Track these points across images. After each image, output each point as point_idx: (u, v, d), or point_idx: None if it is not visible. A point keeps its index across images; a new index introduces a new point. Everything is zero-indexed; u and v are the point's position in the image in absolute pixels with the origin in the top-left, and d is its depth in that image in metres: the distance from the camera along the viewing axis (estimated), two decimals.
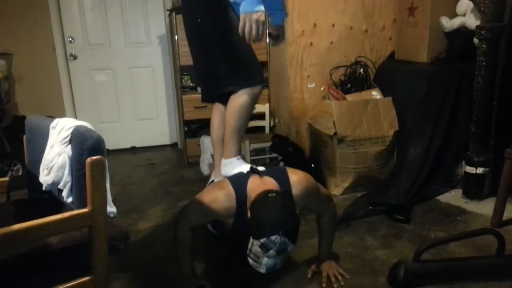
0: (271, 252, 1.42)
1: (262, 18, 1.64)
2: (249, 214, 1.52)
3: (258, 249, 1.44)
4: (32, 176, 1.72)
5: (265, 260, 1.45)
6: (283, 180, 1.67)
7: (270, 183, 1.63)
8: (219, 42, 1.79)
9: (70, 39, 3.86)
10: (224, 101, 1.93)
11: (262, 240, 1.42)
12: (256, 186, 1.61)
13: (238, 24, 1.74)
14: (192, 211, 1.70)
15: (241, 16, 1.64)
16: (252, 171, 1.72)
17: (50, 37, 3.77)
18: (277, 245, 1.41)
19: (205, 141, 2.81)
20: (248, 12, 1.62)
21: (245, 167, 1.79)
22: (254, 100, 1.86)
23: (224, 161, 1.89)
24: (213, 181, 2.06)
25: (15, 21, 3.64)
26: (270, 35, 2.22)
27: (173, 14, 3.41)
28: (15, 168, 3.14)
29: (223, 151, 1.90)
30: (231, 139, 1.85)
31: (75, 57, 3.90)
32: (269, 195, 1.51)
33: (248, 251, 1.49)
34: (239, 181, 1.69)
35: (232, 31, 1.76)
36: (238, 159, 1.86)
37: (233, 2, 1.67)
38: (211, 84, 1.93)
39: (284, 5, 2.17)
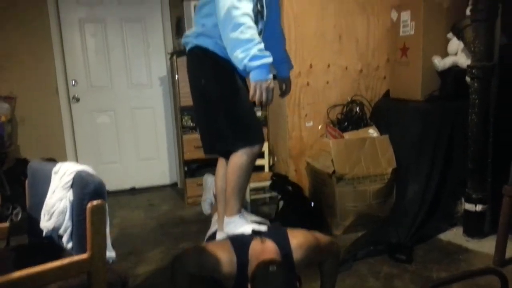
0: None
1: (272, 85, 1.70)
2: (249, 286, 1.52)
3: None
4: (33, 221, 1.73)
5: None
6: (284, 244, 1.67)
7: (271, 250, 1.63)
8: (221, 103, 1.84)
9: (73, 82, 3.95)
10: (226, 155, 1.97)
11: None
12: (257, 253, 1.61)
13: (241, 86, 1.81)
14: (191, 263, 1.67)
15: (252, 84, 1.68)
16: (254, 233, 1.73)
17: (54, 80, 3.86)
18: None
19: (208, 180, 2.82)
20: (259, 81, 1.67)
21: (247, 228, 1.79)
22: (254, 159, 1.89)
23: (226, 219, 1.90)
24: (214, 233, 2.03)
25: (20, 65, 3.74)
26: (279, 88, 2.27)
27: (174, 57, 3.51)
28: (15, 212, 3.13)
29: (225, 209, 1.91)
30: (233, 197, 1.87)
31: (77, 99, 3.98)
32: (270, 268, 1.50)
33: None
34: (241, 245, 1.68)
35: (234, 94, 1.82)
36: (240, 217, 1.88)
37: (242, 70, 1.72)
38: (211, 141, 1.98)
39: (289, 57, 2.24)
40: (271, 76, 1.70)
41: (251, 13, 1.69)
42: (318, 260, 1.82)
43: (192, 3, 3.43)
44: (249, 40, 1.63)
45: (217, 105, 1.85)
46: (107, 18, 3.95)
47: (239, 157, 1.84)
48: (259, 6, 1.84)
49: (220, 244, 1.75)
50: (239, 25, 1.63)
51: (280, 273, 1.49)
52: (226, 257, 1.64)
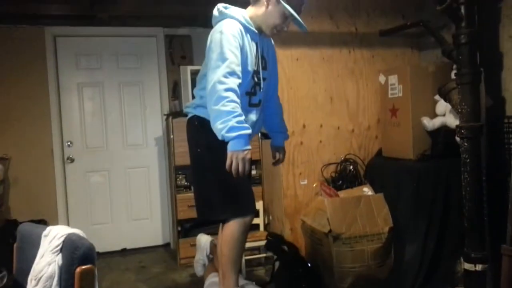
0: None
1: (248, 156, 1.76)
2: None
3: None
4: (19, 286, 1.66)
5: None
6: None
7: None
8: (214, 173, 1.88)
9: (69, 143, 3.98)
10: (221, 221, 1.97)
11: None
12: None
13: None
14: None
15: (229, 154, 1.74)
16: None
17: (49, 141, 3.88)
18: None
19: (201, 240, 2.76)
20: (235, 151, 1.73)
21: None
22: (246, 229, 1.90)
23: None
24: None
25: (17, 127, 3.78)
26: (272, 156, 2.31)
27: (170, 118, 3.59)
28: (0, 275, 3.01)
29: (222, 282, 1.89)
30: (228, 269, 1.86)
31: (72, 160, 3.99)
32: None
33: None
34: None
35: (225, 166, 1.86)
36: None
37: (221, 139, 1.77)
38: (203, 209, 1.99)
39: (285, 127, 2.31)
40: (248, 147, 1.75)
41: (236, 88, 1.77)
42: None
43: (188, 68, 3.58)
44: (229, 113, 1.71)
45: (210, 175, 1.89)
46: (106, 81, 4.08)
47: (231, 227, 1.85)
48: (256, 79, 1.94)
49: None
50: (222, 98, 1.71)
51: None
52: None
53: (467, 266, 2.51)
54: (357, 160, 3.28)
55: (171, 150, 3.64)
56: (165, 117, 3.96)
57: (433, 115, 2.90)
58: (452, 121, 2.77)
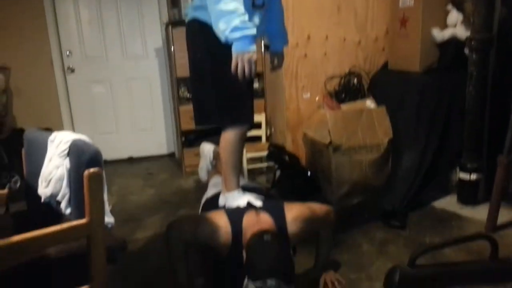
0: None
1: (254, 57, 1.68)
2: (244, 254, 1.55)
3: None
4: (30, 188, 1.74)
5: None
6: (279, 217, 1.70)
7: (265, 221, 1.66)
8: (213, 80, 1.84)
9: (68, 52, 3.91)
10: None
11: (257, 283, 1.44)
12: (251, 223, 1.65)
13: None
14: (186, 233, 1.70)
15: (234, 56, 1.67)
16: (249, 205, 1.76)
17: (48, 51, 3.82)
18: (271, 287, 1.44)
19: (205, 148, 2.84)
20: (241, 52, 1.66)
21: (243, 200, 1.83)
22: (242, 138, 1.92)
23: (226, 194, 1.94)
24: (214, 195, 2.06)
25: (13, 36, 3.69)
26: (270, 61, 2.23)
27: (170, 27, 3.46)
28: (13, 179, 3.16)
29: (224, 186, 1.96)
30: (229, 174, 1.91)
31: (72, 70, 3.95)
32: (264, 237, 1.53)
33: (244, 286, 1.51)
34: (235, 215, 1.72)
35: (227, 71, 1.79)
36: (238, 192, 1.91)
37: (225, 42, 1.70)
38: (200, 115, 1.99)
39: (286, 32, 2.20)
40: (253, 48, 1.68)
41: None
42: (314, 230, 1.85)
43: None
44: (232, 12, 1.62)
45: (209, 81, 1.85)
46: None
47: (229, 135, 1.88)
48: None
49: (216, 214, 1.78)
50: None
51: (275, 243, 1.53)
52: (221, 226, 1.67)
53: (462, 175, 2.61)
54: (361, 73, 3.22)
55: (172, 61, 3.57)
56: (164, 26, 3.82)
57: (443, 26, 2.79)
58: (463, 32, 2.67)
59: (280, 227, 1.68)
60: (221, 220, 1.70)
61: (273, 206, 1.77)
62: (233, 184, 1.91)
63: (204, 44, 1.83)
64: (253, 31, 1.66)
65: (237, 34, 1.63)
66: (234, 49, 1.67)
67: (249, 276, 1.48)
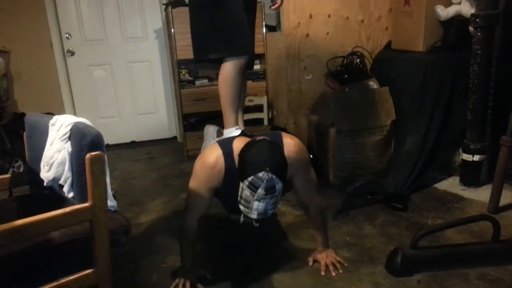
0: (260, 191, 1.41)
1: None
2: (236, 161, 1.53)
3: (248, 192, 1.43)
4: (33, 172, 1.74)
5: (255, 204, 1.44)
6: (277, 140, 1.66)
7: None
8: (212, 11, 1.85)
9: (67, 35, 3.87)
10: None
11: (249, 179, 1.42)
12: (242, 141, 1.61)
13: None
14: (192, 193, 1.70)
15: None
16: (243, 133, 1.79)
17: (47, 34, 3.78)
18: (265, 181, 1.40)
19: (209, 129, 2.83)
20: None
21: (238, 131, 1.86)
22: (241, 70, 1.94)
23: (225, 131, 1.98)
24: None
25: (11, 18, 3.64)
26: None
27: (169, 8, 3.40)
28: (16, 164, 3.17)
29: (224, 123, 1.99)
30: (228, 109, 1.95)
31: (72, 53, 3.91)
32: (256, 139, 1.53)
33: (239, 198, 1.48)
34: (226, 140, 1.73)
35: (224, 5, 1.81)
36: (236, 129, 1.94)
37: None
38: (198, 48, 2.00)
39: None
40: None
41: None
42: (302, 184, 1.76)
43: None
44: None
45: (207, 12, 1.86)
46: None
47: (226, 69, 1.90)
48: None
49: (208, 148, 1.77)
50: None
51: (265, 141, 1.50)
52: (212, 156, 1.64)
53: (465, 156, 2.60)
54: (364, 53, 3.17)
55: (172, 43, 3.53)
56: (164, 7, 3.76)
57: (448, 3, 2.74)
58: (468, 9, 2.61)
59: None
60: (212, 150, 1.67)
61: (270, 132, 1.77)
62: (231, 120, 1.95)
63: None
64: None
65: None
66: None
67: (241, 177, 1.46)
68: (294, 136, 1.77)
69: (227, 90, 1.93)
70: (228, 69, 1.91)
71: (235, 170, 1.57)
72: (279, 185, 1.44)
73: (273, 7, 2.24)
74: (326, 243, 1.93)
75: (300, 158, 1.69)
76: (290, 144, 1.68)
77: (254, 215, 1.46)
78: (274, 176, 1.42)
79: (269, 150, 1.48)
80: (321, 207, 1.90)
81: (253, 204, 1.44)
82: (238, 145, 1.61)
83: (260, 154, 1.45)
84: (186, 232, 1.75)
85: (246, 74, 2.15)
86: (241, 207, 1.48)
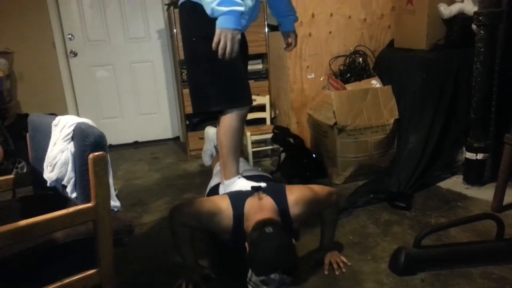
0: (271, 287, 1.48)
1: (238, 37, 1.62)
2: (247, 246, 1.55)
3: (258, 282, 1.49)
4: (36, 173, 1.75)
5: None
6: (281, 200, 1.70)
7: (268, 206, 1.66)
8: (210, 64, 1.78)
9: (70, 36, 3.88)
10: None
11: (261, 278, 1.47)
12: (254, 208, 1.65)
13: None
14: (189, 216, 1.70)
15: (217, 32, 1.61)
16: (253, 188, 1.75)
17: (50, 35, 3.79)
18: (277, 282, 1.47)
19: (209, 132, 2.83)
20: (224, 29, 1.59)
21: (246, 185, 1.81)
22: (243, 120, 1.87)
23: (226, 182, 1.91)
24: (216, 185, 2.05)
25: (14, 19, 3.66)
26: (285, 42, 2.19)
27: (171, 8, 3.41)
28: (19, 165, 3.18)
29: (224, 173, 1.91)
30: (229, 159, 1.87)
31: (75, 54, 3.92)
32: (266, 230, 1.52)
33: (248, 279, 1.53)
34: (238, 199, 1.71)
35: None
36: (239, 178, 1.88)
37: (210, 15, 1.64)
38: (198, 101, 1.93)
39: (293, 9, 2.13)
40: (239, 27, 1.62)
41: None
42: (317, 211, 1.85)
43: None
44: None
45: (205, 65, 1.80)
46: None
47: (228, 119, 1.83)
48: None
49: (218, 198, 1.79)
50: None
51: (277, 234, 1.53)
52: (223, 210, 1.67)
53: (469, 155, 2.59)
54: (367, 52, 3.17)
55: (174, 43, 3.53)
56: (166, 7, 3.76)
57: (451, 2, 2.73)
58: (471, 7, 2.61)
59: (282, 210, 1.68)
60: (223, 203, 1.70)
61: (274, 189, 1.76)
62: (233, 170, 1.88)
63: (198, 27, 1.77)
64: (241, 8, 1.60)
65: (224, 8, 1.57)
66: (219, 24, 1.60)
67: (253, 270, 1.51)
68: (296, 188, 1.77)
69: (229, 141, 1.85)
70: (231, 121, 1.83)
71: (242, 230, 1.65)
72: (289, 279, 1.51)
73: (288, 49, 2.21)
74: (332, 241, 1.93)
75: (307, 209, 1.74)
76: (294, 202, 1.71)
77: None
78: (285, 276, 1.48)
79: (280, 251, 1.50)
80: (337, 208, 1.91)
81: None
82: (250, 211, 1.65)
83: (271, 257, 1.48)
84: (178, 234, 1.75)
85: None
86: (250, 287, 1.54)
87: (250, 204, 1.68)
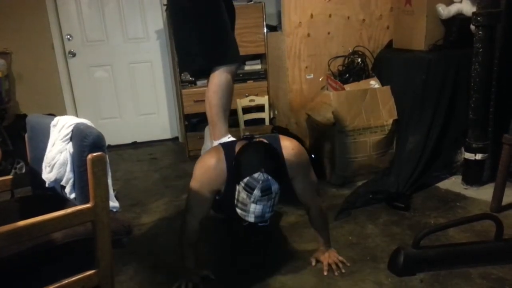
0: (256, 192, 1.40)
1: None
2: (233, 164, 1.52)
3: (244, 194, 1.43)
4: (35, 173, 1.74)
5: (252, 206, 1.43)
6: (274, 142, 1.65)
7: (260, 140, 1.62)
8: (194, 18, 1.78)
9: (68, 36, 3.87)
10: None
11: (245, 180, 1.41)
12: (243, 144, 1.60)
13: (219, 4, 1.73)
14: (192, 194, 1.69)
15: None
16: (244, 136, 1.73)
17: (49, 35, 3.79)
18: (260, 182, 1.39)
19: (209, 130, 2.83)
20: None
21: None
22: (233, 77, 1.87)
23: (215, 142, 1.88)
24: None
25: (13, 20, 3.65)
26: None
27: None
28: (18, 166, 3.17)
29: (212, 133, 1.88)
30: (218, 119, 1.85)
31: (74, 54, 3.92)
32: (252, 140, 1.51)
33: (236, 201, 1.48)
34: (228, 144, 1.70)
35: (211, 12, 1.76)
36: (229, 138, 1.87)
37: None
38: (185, 59, 1.93)
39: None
40: None
41: None
42: (302, 185, 1.75)
43: None
44: None
45: (191, 20, 1.79)
46: None
47: (218, 77, 1.81)
48: None
49: (210, 149, 1.75)
50: None
51: (262, 143, 1.50)
52: (216, 157, 1.63)
53: (467, 155, 2.59)
54: (366, 52, 3.17)
55: (173, 43, 3.53)
56: (164, 7, 3.76)
57: (449, 2, 2.73)
58: (469, 8, 2.61)
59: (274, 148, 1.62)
60: (214, 150, 1.66)
61: (268, 135, 1.74)
62: (222, 130, 1.86)
63: None
64: None
65: None
66: None
67: (237, 180, 1.45)
68: (293, 139, 1.75)
69: (218, 99, 1.84)
70: (219, 77, 1.82)
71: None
72: (275, 186, 1.43)
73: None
74: (328, 243, 1.92)
75: (299, 161, 1.69)
76: (288, 146, 1.67)
77: (251, 218, 1.45)
78: (269, 177, 1.41)
79: (265, 150, 1.48)
80: (322, 208, 1.89)
81: (250, 206, 1.43)
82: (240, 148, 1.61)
83: (256, 155, 1.45)
84: (187, 233, 1.74)
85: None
86: (238, 211, 1.48)
87: (241, 143, 1.63)
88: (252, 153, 1.47)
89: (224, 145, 1.69)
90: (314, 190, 1.82)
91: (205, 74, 1.93)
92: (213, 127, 1.89)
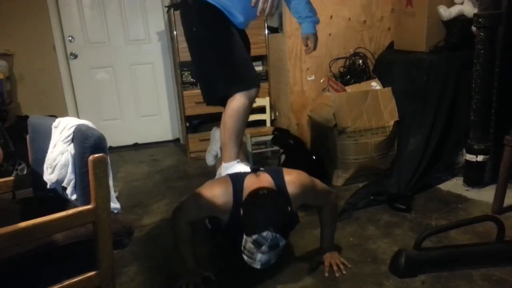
0: (264, 248, 1.46)
1: None
2: (241, 212, 1.56)
3: (251, 246, 1.48)
4: (36, 174, 1.74)
5: (259, 256, 1.48)
6: (278, 178, 1.70)
7: (265, 180, 1.66)
8: (213, 50, 1.81)
9: (70, 38, 3.88)
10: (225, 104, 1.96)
11: (254, 237, 1.46)
12: (251, 183, 1.64)
13: (233, 32, 1.77)
14: (190, 206, 1.72)
15: None
16: (251, 169, 1.75)
17: (50, 37, 3.80)
18: (269, 241, 1.45)
19: (216, 133, 2.82)
20: None
21: (245, 168, 1.82)
22: (251, 103, 1.88)
23: (224, 165, 1.91)
24: None
25: (14, 21, 3.67)
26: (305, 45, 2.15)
27: (172, 10, 3.41)
28: (19, 167, 3.18)
29: (223, 155, 1.91)
30: (230, 142, 1.87)
31: (75, 56, 3.93)
32: (260, 192, 1.53)
33: (242, 248, 1.52)
34: (237, 177, 1.72)
35: (226, 39, 1.78)
36: (238, 162, 1.88)
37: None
38: (208, 90, 1.95)
39: (313, 11, 2.08)
40: None
41: None
42: (314, 202, 1.83)
43: None
44: None
45: (209, 52, 1.82)
46: None
47: (236, 101, 1.84)
48: None
49: (218, 179, 1.79)
50: None
51: (271, 196, 1.53)
52: (223, 189, 1.66)
53: (469, 157, 2.59)
54: (367, 54, 3.17)
55: (174, 45, 3.54)
56: (166, 9, 3.77)
57: (451, 3, 2.73)
58: (470, 9, 2.61)
59: (279, 186, 1.66)
60: (223, 181, 1.69)
61: (272, 169, 1.77)
62: (233, 154, 1.88)
63: (197, 16, 1.80)
64: None
65: None
66: None
67: (246, 232, 1.49)
68: (294, 170, 1.77)
69: (235, 123, 1.85)
70: (238, 102, 1.84)
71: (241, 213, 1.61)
72: (282, 243, 1.49)
73: (308, 53, 2.18)
74: (331, 243, 1.92)
75: (304, 191, 1.72)
76: (291, 181, 1.70)
77: (257, 266, 1.51)
78: (278, 235, 1.46)
79: (273, 208, 1.50)
80: (335, 207, 1.90)
81: (256, 256, 1.49)
82: (248, 186, 1.64)
83: (264, 213, 1.48)
84: (180, 234, 1.75)
85: None
86: (245, 257, 1.53)
87: (249, 179, 1.67)
88: (261, 210, 1.50)
89: (233, 178, 1.71)
90: (325, 195, 1.84)
91: (226, 101, 1.95)
92: (224, 149, 1.91)
